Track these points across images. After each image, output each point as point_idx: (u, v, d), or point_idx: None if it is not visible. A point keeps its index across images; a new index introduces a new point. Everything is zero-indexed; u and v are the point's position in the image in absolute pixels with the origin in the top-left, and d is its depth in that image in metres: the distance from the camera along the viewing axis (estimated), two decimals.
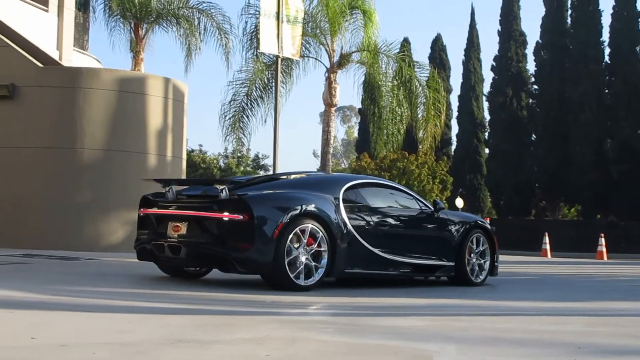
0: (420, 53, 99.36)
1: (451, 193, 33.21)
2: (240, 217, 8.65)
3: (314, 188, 9.66)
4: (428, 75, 27.64)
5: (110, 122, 15.39)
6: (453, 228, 10.93)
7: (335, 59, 26.78)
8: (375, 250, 9.78)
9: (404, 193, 11.07)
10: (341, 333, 6.19)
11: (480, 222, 11.42)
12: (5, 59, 15.30)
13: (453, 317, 7.71)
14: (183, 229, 9.04)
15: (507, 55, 51.65)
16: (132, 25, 25.62)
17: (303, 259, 8.89)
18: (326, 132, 27.48)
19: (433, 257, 10.65)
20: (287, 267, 8.74)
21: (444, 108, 27.86)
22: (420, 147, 30.57)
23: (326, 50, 26.77)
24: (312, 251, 9.00)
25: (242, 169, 51.18)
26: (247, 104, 27.06)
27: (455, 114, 53.53)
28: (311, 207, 9.11)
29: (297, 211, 8.94)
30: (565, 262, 22.13)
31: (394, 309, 8.26)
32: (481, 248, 11.14)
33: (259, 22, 21.39)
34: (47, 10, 20.72)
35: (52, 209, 14.78)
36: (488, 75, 54.02)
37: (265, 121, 27.25)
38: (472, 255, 11.00)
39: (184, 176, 17.76)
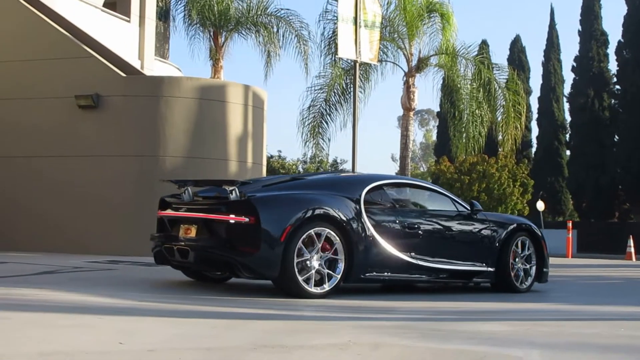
0: (499, 55, 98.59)
1: (532, 196, 32.77)
2: (247, 219, 8.28)
3: (334, 189, 9.19)
4: (507, 77, 27.41)
5: (191, 130, 15.59)
6: (493, 231, 10.31)
7: (414, 62, 26.72)
8: (401, 255, 9.26)
9: (438, 194, 10.51)
10: (424, 338, 6.16)
11: (525, 225, 10.74)
12: (90, 70, 15.63)
13: (536, 321, 7.61)
14: (193, 231, 8.78)
15: (588, 56, 50.74)
16: (212, 33, 25.96)
17: (316, 264, 8.47)
18: (404, 136, 27.40)
19: (470, 262, 10.06)
20: (296, 273, 8.32)
21: (524, 110, 27.56)
22: (500, 149, 30.23)
23: (404, 54, 26.73)
24: (327, 256, 8.58)
25: None
26: (325, 110, 27.15)
27: (535, 115, 52.78)
28: (325, 209, 8.65)
29: (308, 213, 8.49)
30: None
31: (476, 313, 8.19)
32: (526, 252, 10.52)
33: (336, 28, 21.45)
34: (129, 21, 21.13)
35: (136, 216, 15.02)
36: (569, 76, 53.21)
37: (344, 126, 27.31)
38: (516, 259, 10.39)
39: None
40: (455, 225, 10.14)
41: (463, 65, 27.01)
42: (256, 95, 16.79)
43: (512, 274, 10.28)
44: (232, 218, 8.36)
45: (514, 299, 9.65)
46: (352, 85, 22.71)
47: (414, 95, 26.89)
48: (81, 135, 15.49)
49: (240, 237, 8.37)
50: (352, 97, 22.61)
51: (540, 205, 37.40)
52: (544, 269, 10.73)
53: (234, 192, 8.52)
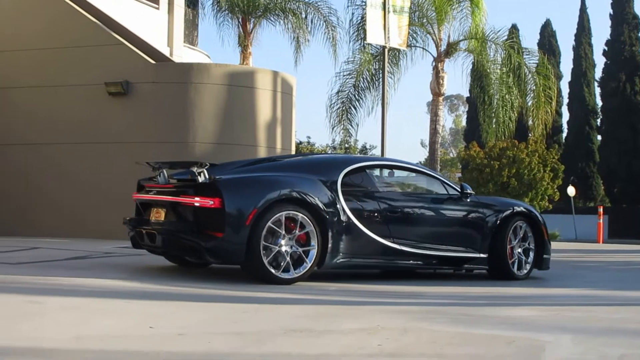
0: (529, 39, 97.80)
1: (562, 181, 32.55)
2: (211, 202, 7.98)
3: (311, 171, 8.81)
4: (537, 61, 27.24)
5: (220, 116, 15.64)
6: (485, 215, 9.75)
7: (443, 47, 26.61)
8: (382, 240, 8.85)
9: (428, 176, 10.11)
10: (454, 323, 6.16)
11: (523, 209, 10.14)
12: (119, 57, 15.72)
13: (566, 307, 7.58)
14: (162, 215, 8.54)
15: (620, 39, 50.22)
16: (240, 20, 26.00)
17: (286, 249, 8.12)
18: (434, 122, 27.33)
19: (459, 248, 9.57)
20: (263, 258, 8.00)
21: (555, 95, 27.39)
22: (530, 134, 30.05)
23: (433, 39, 26.64)
24: (298, 240, 8.22)
25: None
26: (354, 95, 27.14)
27: (565, 100, 52.39)
28: (296, 192, 8.28)
29: (277, 196, 8.14)
30: None
31: (505, 298, 8.18)
32: (524, 238, 9.98)
33: (365, 13, 21.43)
34: (158, 8, 21.20)
35: None
36: (600, 61, 52.56)
37: (372, 112, 27.28)
38: (514, 245, 9.84)
39: None
40: (443, 209, 9.69)
41: (493, 50, 26.89)
42: (285, 82, 16.81)
43: (510, 261, 9.78)
44: (197, 201, 8.09)
45: (542, 285, 9.61)
46: (381, 71, 22.65)
47: (443, 81, 26.79)
48: (111, 123, 15.59)
49: (205, 220, 8.10)
50: (381, 82, 22.60)
51: (571, 191, 37.17)
52: (544, 255, 10.18)
53: (202, 174, 8.22)
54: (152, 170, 8.83)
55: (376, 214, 8.96)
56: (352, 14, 26.87)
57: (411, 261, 9.17)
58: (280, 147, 16.57)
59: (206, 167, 8.31)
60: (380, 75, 22.80)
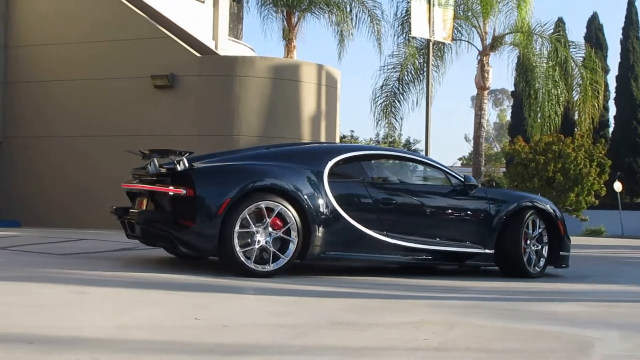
0: (576, 33, 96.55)
1: (609, 177, 32.14)
2: (184, 191, 7.77)
3: (297, 160, 8.52)
4: (584, 55, 26.93)
5: (265, 109, 15.66)
6: (492, 209, 9.20)
7: (488, 41, 26.45)
8: (373, 233, 8.45)
9: (431, 167, 9.62)
10: (499, 318, 6.10)
11: (535, 204, 9.48)
12: (165, 50, 15.80)
13: (612, 303, 7.49)
14: (144, 204, 8.42)
15: None
16: (284, 13, 25.99)
17: (262, 240, 7.81)
18: (478, 116, 27.17)
19: (461, 243, 9.08)
20: (236, 249, 7.72)
21: (602, 89, 27.07)
22: (576, 129, 29.74)
23: (478, 32, 26.48)
24: (276, 233, 7.89)
25: None
26: (398, 89, 27.04)
27: (612, 94, 51.77)
28: (274, 182, 7.99)
29: (253, 185, 7.91)
30: None
31: (551, 294, 8.10)
32: (537, 232, 9.34)
33: (410, 7, 21.35)
34: (203, 2, 21.29)
35: None
36: None
37: (417, 106, 27.17)
38: (528, 241, 9.25)
39: None
40: (444, 202, 9.22)
41: (539, 44, 26.68)
42: (329, 75, 16.78)
43: (525, 258, 9.19)
44: (170, 190, 7.92)
45: (586, 281, 9.50)
46: (425, 65, 22.55)
47: (488, 75, 26.62)
48: (157, 115, 15.69)
49: (178, 210, 7.93)
50: (425, 76, 22.50)
51: (618, 186, 36.75)
52: (561, 252, 9.57)
53: (181, 162, 8.04)
54: (142, 158, 8.55)
55: (368, 206, 8.60)
56: (397, 7, 26.89)
57: (407, 256, 8.77)
58: (324, 141, 16.55)
59: (185, 155, 8.15)
60: (425, 68, 22.71)
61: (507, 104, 78.06)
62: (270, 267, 7.88)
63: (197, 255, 8.75)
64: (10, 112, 16.89)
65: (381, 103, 27.20)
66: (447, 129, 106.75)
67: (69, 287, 6.67)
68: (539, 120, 26.94)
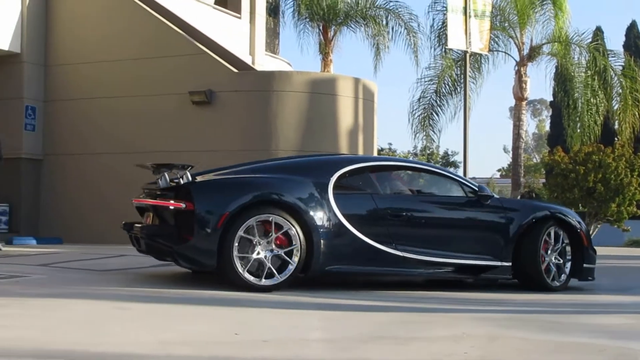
0: (614, 41, 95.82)
1: None
2: (183, 205, 7.73)
3: (302, 173, 8.37)
4: (623, 64, 26.72)
5: (302, 124, 15.70)
6: (507, 220, 8.82)
7: (525, 51, 26.34)
8: (380, 246, 8.23)
9: (444, 177, 9.28)
10: (543, 331, 6.05)
11: (555, 214, 9.05)
12: (203, 66, 15.90)
13: None
14: (150, 219, 8.41)
15: None
16: (321, 27, 26.10)
17: (263, 254, 7.69)
18: (517, 127, 27.05)
19: (475, 256, 8.69)
20: (236, 263, 7.61)
21: None
22: (617, 138, 29.45)
23: (515, 43, 26.39)
24: (279, 245, 7.77)
25: None
26: (436, 101, 27.02)
27: None
28: (276, 194, 7.90)
29: (254, 199, 7.80)
30: None
31: (596, 306, 8.01)
32: (559, 245, 8.92)
33: (446, 19, 21.31)
34: (239, 17, 21.40)
35: None
36: None
37: (454, 117, 27.11)
38: (548, 252, 8.82)
39: None
40: (457, 213, 8.95)
41: (577, 53, 26.52)
42: (366, 88, 16.79)
43: (543, 269, 8.77)
44: (171, 204, 7.89)
45: (630, 292, 9.37)
46: (462, 76, 22.48)
47: (526, 85, 26.50)
48: (196, 131, 15.77)
49: (179, 224, 7.89)
50: (462, 88, 22.44)
51: None
52: (584, 265, 9.10)
53: (184, 176, 8.00)
54: (153, 173, 8.48)
55: (376, 219, 8.38)
56: (433, 19, 26.72)
57: (418, 269, 8.49)
58: (362, 154, 16.53)
59: (188, 168, 8.11)
60: (462, 80, 22.64)
61: (546, 114, 77.47)
62: (272, 280, 7.75)
63: (199, 270, 8.61)
64: (49, 131, 17.08)
65: (419, 115, 27.19)
66: (485, 140, 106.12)
67: (112, 303, 6.72)
68: (578, 130, 26.75)
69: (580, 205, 30.96)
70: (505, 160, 71.40)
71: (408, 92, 63.92)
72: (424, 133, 27.43)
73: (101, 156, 16.48)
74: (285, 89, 15.61)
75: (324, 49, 26.31)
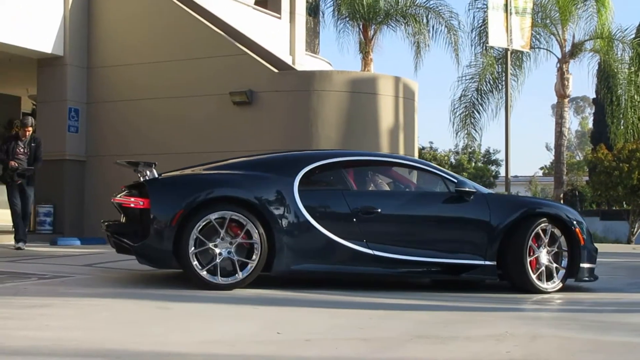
0: None
1: None
2: (141, 202, 7.72)
3: (268, 169, 8.17)
4: None
5: (343, 123, 15.69)
6: (493, 216, 8.25)
7: (567, 48, 26.14)
8: (350, 244, 7.92)
9: (427, 172, 8.77)
10: (585, 330, 6.00)
11: (547, 209, 8.47)
12: (244, 67, 15.96)
13: None
14: (123, 217, 8.31)
15: None
16: (361, 26, 26.08)
17: (222, 252, 7.55)
18: (559, 124, 26.84)
19: (456, 254, 8.24)
20: (192, 262, 7.49)
21: None
22: None
23: (557, 40, 26.19)
24: (237, 244, 7.60)
25: (473, 164, 50.76)
26: (477, 99, 26.90)
27: None
28: (233, 191, 7.74)
29: (206, 195, 7.66)
30: None
31: (637, 305, 7.92)
32: (551, 244, 8.32)
33: (486, 16, 21.23)
34: (279, 18, 21.46)
35: None
36: None
37: (496, 116, 26.98)
38: (538, 252, 8.24)
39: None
40: (435, 209, 8.45)
41: (620, 49, 26.26)
42: (407, 87, 16.74)
43: (530, 270, 8.18)
44: (130, 202, 7.87)
45: None
46: (504, 74, 22.34)
47: (568, 82, 26.29)
48: (237, 131, 15.83)
49: (139, 222, 7.82)
50: (504, 85, 22.30)
51: None
52: (581, 264, 8.39)
53: (149, 174, 7.96)
54: (134, 171, 8.30)
55: (345, 216, 8.04)
56: (474, 17, 26.70)
57: (392, 269, 8.13)
58: (403, 153, 16.50)
59: (153, 166, 8.04)
60: (503, 78, 22.50)
61: (589, 112, 76.86)
62: (231, 279, 7.60)
63: (155, 267, 8.41)
64: (92, 132, 17.25)
65: (460, 114, 27.11)
66: (527, 138, 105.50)
67: (154, 303, 6.78)
68: (621, 127, 26.49)
69: (624, 203, 30.68)
70: (548, 158, 70.86)
71: (449, 90, 63.74)
72: (466, 131, 27.35)
73: (141, 158, 16.57)
74: (325, 88, 15.62)
75: (364, 48, 26.29)
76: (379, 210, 8.13)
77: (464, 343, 5.28)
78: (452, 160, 52.90)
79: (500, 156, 50.23)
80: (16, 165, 13.11)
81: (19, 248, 12.90)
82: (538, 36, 26.07)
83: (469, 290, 8.50)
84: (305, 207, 7.89)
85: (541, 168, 69.17)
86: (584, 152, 65.89)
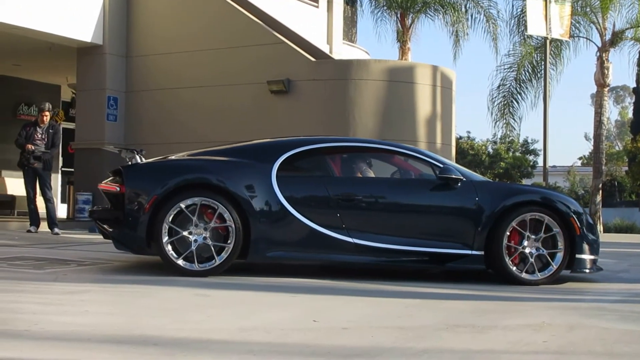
0: None
1: None
2: (117, 188, 7.77)
3: (248, 156, 8.15)
4: None
5: (380, 112, 15.69)
6: (481, 204, 7.98)
7: (607, 37, 25.84)
8: (329, 232, 7.82)
9: (414, 159, 8.57)
10: (623, 320, 5.96)
11: (540, 197, 8.18)
12: (281, 55, 16.00)
13: None
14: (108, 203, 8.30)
15: None
16: (398, 15, 25.98)
17: (197, 239, 7.56)
18: (598, 114, 26.59)
19: (441, 243, 8.01)
20: (165, 248, 7.53)
21: None
22: None
23: (597, 28, 25.91)
24: (211, 228, 7.60)
25: (511, 154, 50.38)
26: (515, 88, 26.72)
27: None
28: (207, 177, 7.72)
29: (180, 181, 7.66)
30: None
31: None
32: (542, 234, 7.94)
33: (525, 5, 21.06)
34: (317, 6, 21.47)
35: None
36: None
37: (535, 105, 26.79)
38: (525, 242, 7.92)
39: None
40: (419, 197, 8.24)
41: None
42: (444, 76, 16.69)
43: (509, 260, 7.90)
44: (109, 187, 7.93)
45: None
46: (542, 63, 22.18)
47: (608, 71, 26.01)
48: (274, 120, 15.88)
49: (118, 208, 7.84)
50: (542, 74, 22.14)
51: None
52: (577, 255, 8.02)
53: (132, 160, 8.04)
54: (127, 159, 8.32)
55: (325, 203, 7.94)
56: (512, 5, 26.77)
57: (374, 257, 7.96)
58: (440, 143, 16.46)
59: (140, 152, 8.14)
60: (542, 67, 22.34)
61: (629, 101, 76.00)
62: (212, 263, 7.61)
63: (131, 253, 8.32)
64: (130, 121, 17.39)
65: (498, 103, 26.95)
66: (566, 127, 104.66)
67: (193, 290, 6.83)
68: None
69: None
70: (587, 148, 70.30)
71: (487, 80, 63.30)
72: (504, 121, 27.19)
73: (178, 146, 16.66)
74: (363, 77, 15.61)
75: (402, 37, 26.19)
76: (360, 197, 8.06)
77: (500, 332, 5.27)
78: (490, 149, 52.56)
79: (539, 146, 49.83)
80: (32, 148, 13.39)
81: (56, 233, 13.21)
82: (578, 25, 25.83)
83: (502, 281, 8.46)
84: (283, 194, 7.84)
85: (580, 158, 68.66)
86: (624, 142, 65.21)
